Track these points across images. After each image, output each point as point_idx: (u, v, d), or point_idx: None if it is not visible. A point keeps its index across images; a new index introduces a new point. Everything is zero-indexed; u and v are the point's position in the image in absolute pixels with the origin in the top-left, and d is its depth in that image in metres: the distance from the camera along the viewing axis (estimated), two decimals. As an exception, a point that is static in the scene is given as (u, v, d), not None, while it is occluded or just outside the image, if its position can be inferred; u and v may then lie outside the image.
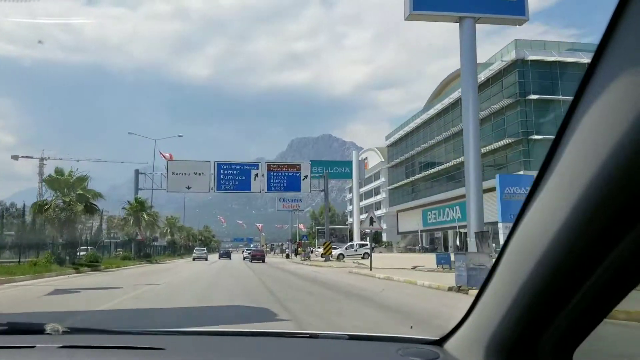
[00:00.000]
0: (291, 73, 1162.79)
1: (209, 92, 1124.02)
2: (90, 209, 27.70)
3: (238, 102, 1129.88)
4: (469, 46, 19.47)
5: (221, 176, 41.10)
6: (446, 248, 55.07)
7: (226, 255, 58.87)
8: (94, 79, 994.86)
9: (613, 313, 0.85)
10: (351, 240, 59.10)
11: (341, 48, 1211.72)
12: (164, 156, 48.27)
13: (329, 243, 39.21)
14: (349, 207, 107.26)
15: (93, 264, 26.15)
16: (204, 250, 58.53)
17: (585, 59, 36.43)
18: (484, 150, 33.13)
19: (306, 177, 42.68)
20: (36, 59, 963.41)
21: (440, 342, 1.38)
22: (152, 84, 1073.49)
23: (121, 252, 40.43)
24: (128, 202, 42.96)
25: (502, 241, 14.48)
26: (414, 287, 14.31)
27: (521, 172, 38.89)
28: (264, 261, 42.49)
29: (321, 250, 41.52)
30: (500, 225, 21.03)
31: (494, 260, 1.06)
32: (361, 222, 42.05)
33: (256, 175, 42.17)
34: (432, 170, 57.36)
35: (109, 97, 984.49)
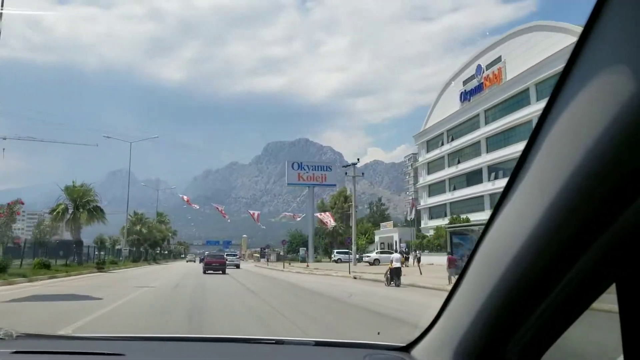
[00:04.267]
0: (266, 78, 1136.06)
1: (182, 96, 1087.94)
2: None
3: (212, 107, 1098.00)
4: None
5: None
6: None
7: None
8: (65, 80, 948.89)
9: (581, 319, 0.84)
10: None
11: (317, 54, 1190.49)
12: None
13: None
14: (429, 178, 59.09)
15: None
16: (194, 255, 78.55)
17: None
18: None
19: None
20: (4, 58, 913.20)
21: (407, 348, 1.37)
22: (124, 86, 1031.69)
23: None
24: None
25: None
26: None
27: None
28: (224, 272, 29.50)
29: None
30: None
31: None
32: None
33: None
34: None
35: (80, 98, 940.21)
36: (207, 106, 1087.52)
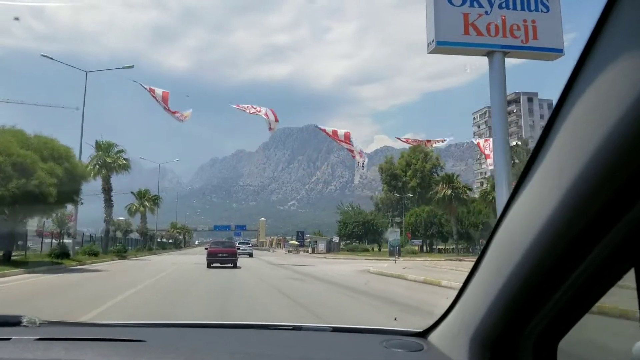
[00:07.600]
0: (272, 66, 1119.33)
1: (187, 85, 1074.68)
2: None
3: (217, 95, 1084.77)
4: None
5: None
6: None
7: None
8: (70, 69, 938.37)
9: (598, 306, 0.85)
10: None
11: (323, 41, 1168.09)
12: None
13: None
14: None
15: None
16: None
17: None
18: None
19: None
20: (11, 48, 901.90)
21: (424, 333, 1.41)
22: (128, 75, 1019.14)
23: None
24: None
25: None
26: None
27: None
28: (235, 265, 22.14)
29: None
30: None
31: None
32: None
33: None
34: None
35: (82, 88, 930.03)
36: (212, 94, 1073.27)
